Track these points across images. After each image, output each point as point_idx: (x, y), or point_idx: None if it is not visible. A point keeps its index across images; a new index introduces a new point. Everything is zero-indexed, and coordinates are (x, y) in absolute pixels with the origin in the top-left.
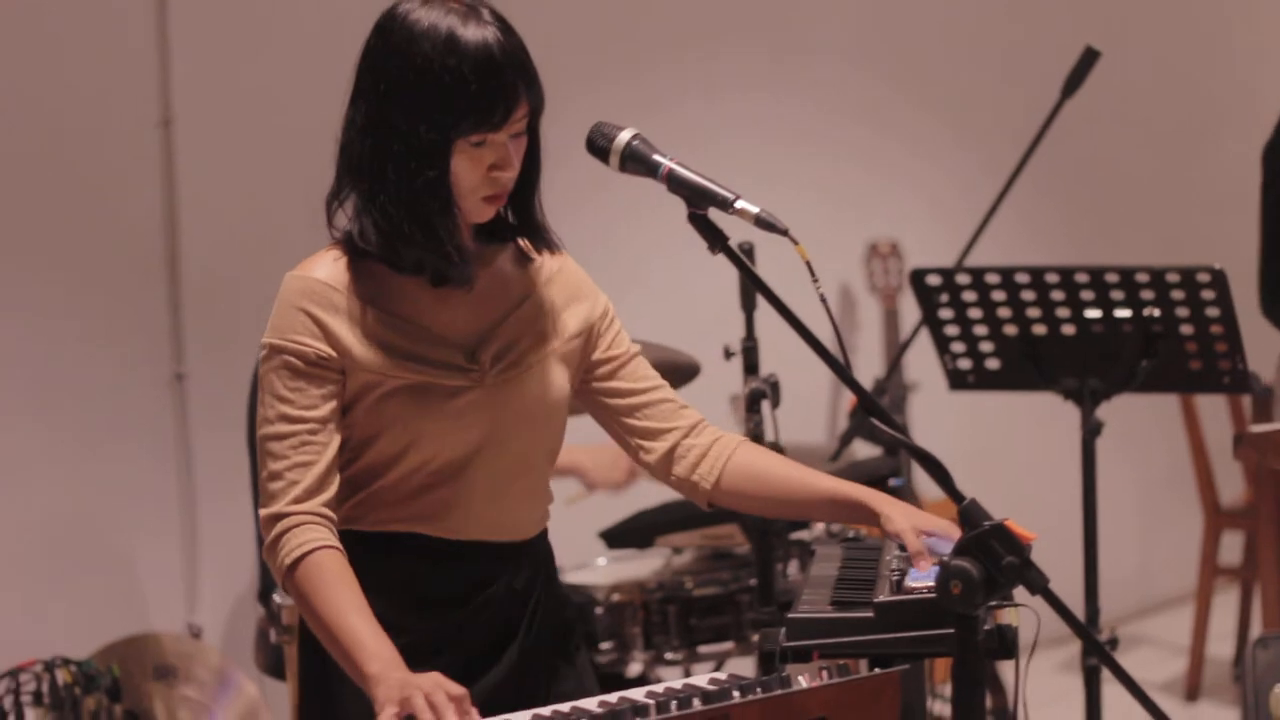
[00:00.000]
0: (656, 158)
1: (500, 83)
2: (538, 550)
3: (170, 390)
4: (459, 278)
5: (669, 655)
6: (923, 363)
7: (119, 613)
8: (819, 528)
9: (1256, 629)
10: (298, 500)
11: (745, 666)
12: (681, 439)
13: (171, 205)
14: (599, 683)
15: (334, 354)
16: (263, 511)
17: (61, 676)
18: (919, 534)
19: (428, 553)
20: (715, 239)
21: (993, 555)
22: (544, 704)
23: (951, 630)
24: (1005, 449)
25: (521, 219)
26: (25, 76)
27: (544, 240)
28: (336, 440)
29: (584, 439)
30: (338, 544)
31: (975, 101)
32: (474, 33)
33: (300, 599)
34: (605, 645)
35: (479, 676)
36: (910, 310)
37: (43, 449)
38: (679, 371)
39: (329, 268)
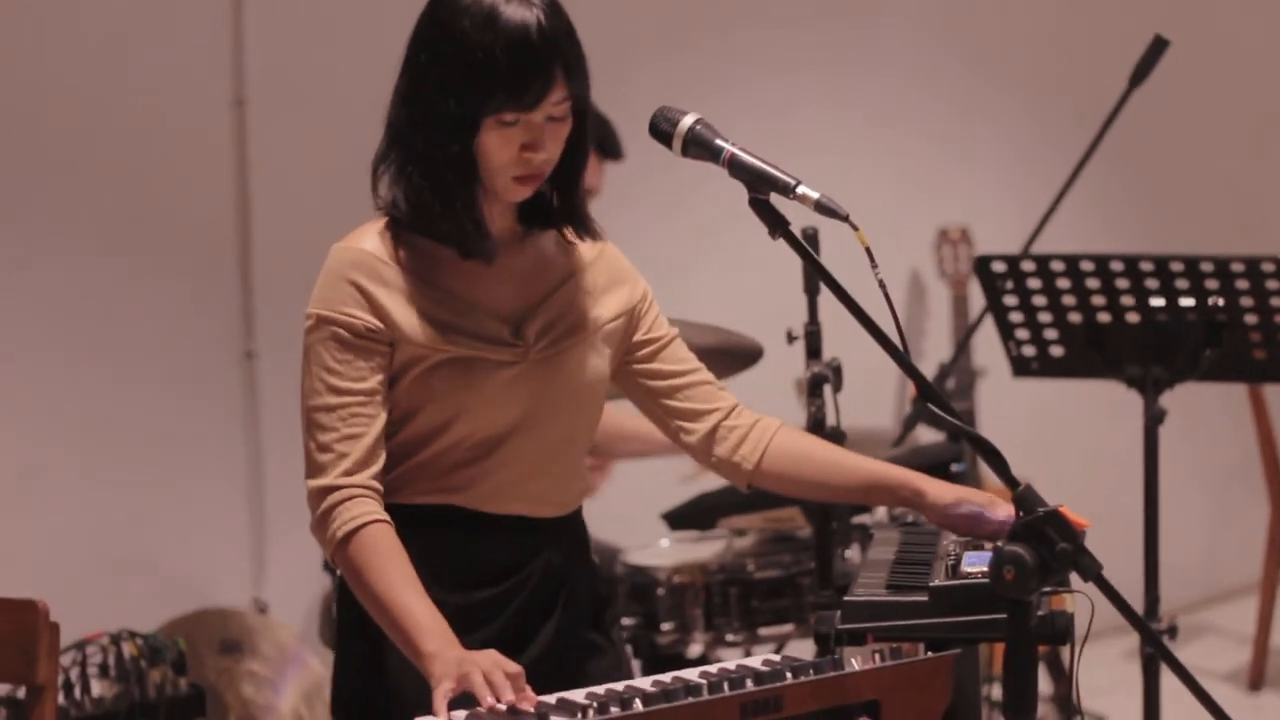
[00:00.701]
0: (719, 143)
1: (534, 64)
2: (574, 527)
3: (241, 368)
4: (478, 251)
5: (730, 637)
6: (990, 348)
7: (187, 587)
8: (880, 512)
9: None
10: (348, 473)
11: (806, 649)
12: (722, 420)
13: (244, 185)
14: (659, 663)
15: (382, 326)
16: (311, 483)
17: (128, 649)
18: (964, 503)
19: (466, 526)
20: (776, 224)
21: (1047, 541)
22: (581, 681)
23: (1005, 615)
24: (1072, 436)
25: (564, 205)
26: (102, 56)
27: (585, 228)
28: (384, 413)
29: None
30: (388, 518)
31: (1052, 87)
32: (515, 12)
33: (352, 573)
34: (666, 626)
35: (516, 653)
36: (979, 296)
37: (116, 424)
38: (742, 355)
39: (375, 239)
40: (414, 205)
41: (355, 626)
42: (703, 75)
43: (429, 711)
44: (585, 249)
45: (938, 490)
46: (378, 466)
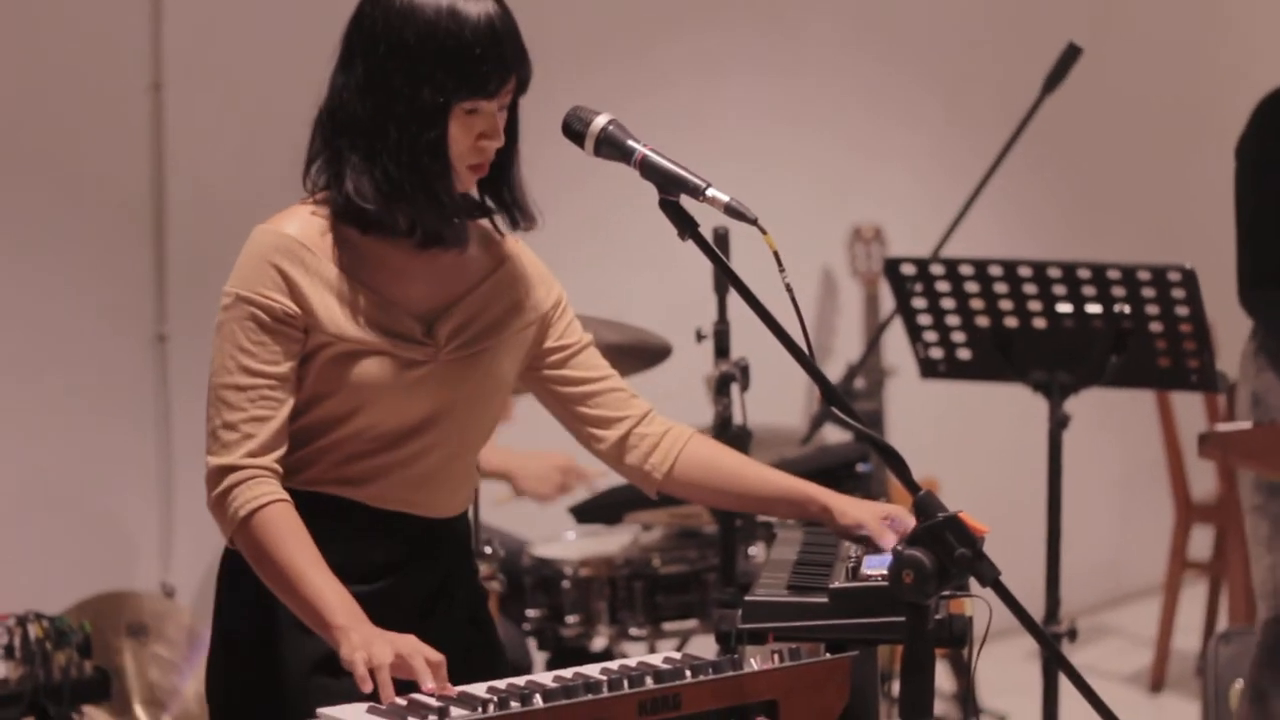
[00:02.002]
0: (631, 143)
1: (499, 53)
2: (459, 529)
3: (152, 350)
4: (454, 239)
5: (634, 631)
6: (900, 348)
7: (94, 570)
8: None
9: (1224, 624)
10: (252, 454)
11: (709, 645)
12: (633, 428)
13: (159, 168)
14: (563, 656)
15: (299, 312)
16: (213, 461)
17: (33, 631)
18: (880, 519)
19: (353, 519)
20: (685, 225)
21: (946, 546)
22: (459, 679)
23: (903, 618)
24: (981, 437)
25: (502, 195)
26: (16, 38)
27: (524, 216)
28: (292, 399)
29: (540, 437)
30: (289, 498)
31: (966, 89)
32: (474, 6)
33: (255, 552)
34: (571, 619)
35: None
36: (891, 295)
37: (24, 405)
38: (649, 353)
39: (300, 225)
40: (388, 195)
41: (240, 609)
42: (621, 80)
43: (315, 698)
44: (508, 246)
45: (843, 508)
46: (280, 451)
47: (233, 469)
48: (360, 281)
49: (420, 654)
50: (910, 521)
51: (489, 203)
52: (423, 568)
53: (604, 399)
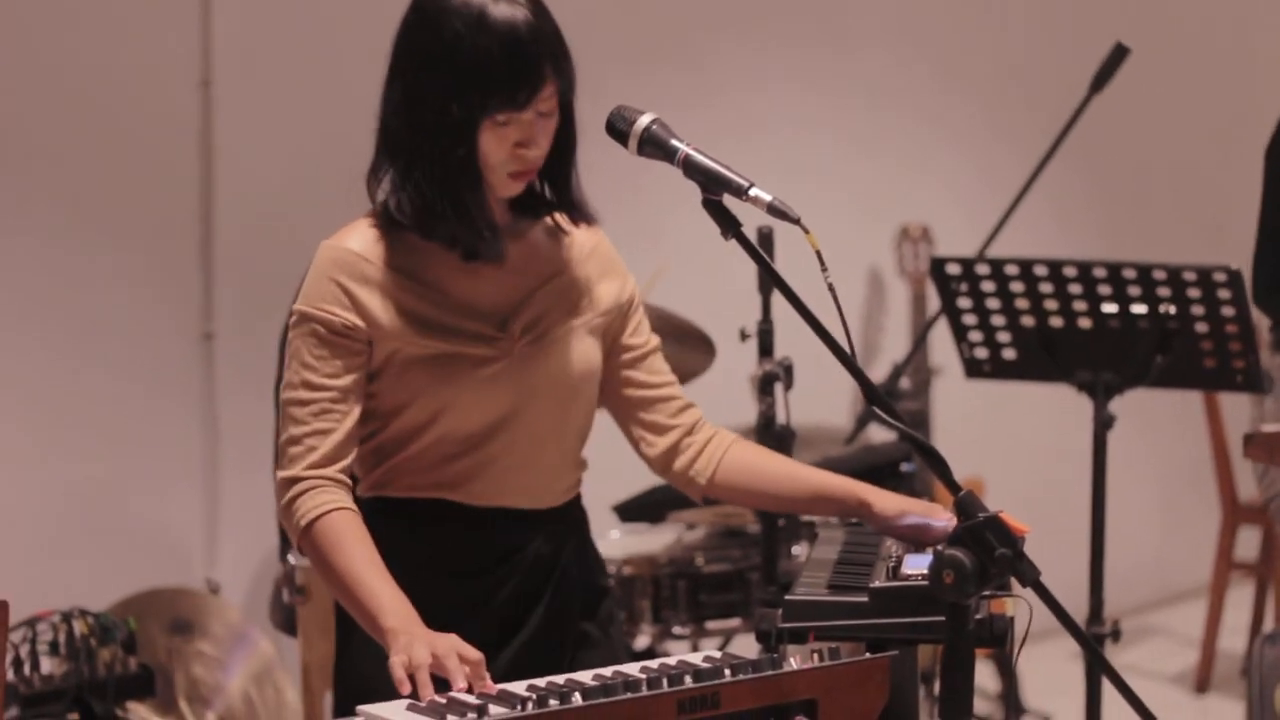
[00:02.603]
0: (674, 143)
1: (526, 63)
2: (566, 517)
3: (199, 349)
4: (489, 254)
5: (677, 630)
6: (947, 347)
7: (139, 566)
8: None
9: (1270, 625)
10: (315, 465)
11: (752, 644)
12: (683, 436)
13: (208, 166)
14: None
15: (361, 324)
16: (279, 474)
17: (78, 627)
18: (907, 515)
19: (454, 519)
20: (728, 224)
21: (986, 546)
22: (566, 671)
23: (943, 618)
24: (1027, 436)
25: (558, 194)
26: (68, 34)
27: (581, 214)
28: (357, 410)
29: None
30: (354, 506)
31: (1011, 92)
32: (504, 11)
33: (316, 558)
34: None
35: (504, 641)
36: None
37: (71, 401)
38: (696, 348)
39: (362, 238)
40: (422, 211)
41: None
42: (671, 89)
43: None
44: (581, 238)
45: (883, 501)
46: (346, 461)
47: (296, 480)
48: (427, 285)
49: (455, 653)
50: (947, 517)
51: (550, 197)
52: (529, 560)
53: (662, 406)
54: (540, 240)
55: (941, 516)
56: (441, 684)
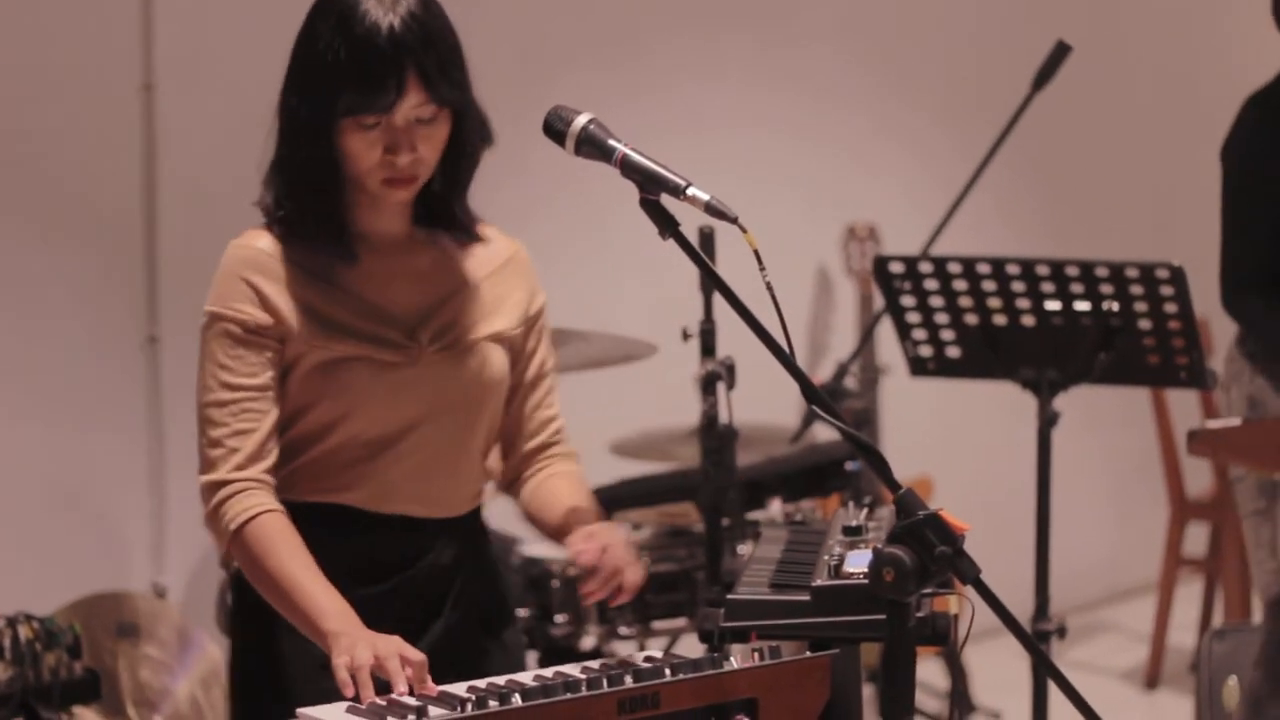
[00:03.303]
0: (611, 143)
1: (381, 66)
2: (467, 527)
3: (143, 353)
4: (337, 254)
5: (623, 630)
6: (894, 346)
7: (85, 571)
8: (775, 508)
9: (1219, 620)
10: (239, 467)
11: (698, 644)
12: (535, 472)
13: (151, 170)
14: (552, 655)
15: (272, 322)
16: (203, 479)
17: (23, 632)
18: (584, 534)
19: (355, 525)
20: (666, 224)
21: (926, 544)
22: (470, 679)
23: (884, 616)
24: (974, 434)
25: (440, 207)
26: (6, 37)
27: (464, 232)
28: (275, 410)
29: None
30: (281, 508)
31: (955, 90)
32: (370, 14)
33: (249, 562)
34: (560, 618)
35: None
36: None
37: (15, 407)
38: (634, 354)
39: (270, 237)
40: (278, 208)
41: (249, 614)
42: (616, 85)
43: (318, 698)
44: (498, 248)
45: (579, 535)
46: (270, 461)
47: (222, 484)
48: (337, 287)
49: (397, 655)
50: (606, 536)
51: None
52: (430, 568)
53: (532, 442)
54: (453, 249)
55: (578, 545)
56: (383, 686)
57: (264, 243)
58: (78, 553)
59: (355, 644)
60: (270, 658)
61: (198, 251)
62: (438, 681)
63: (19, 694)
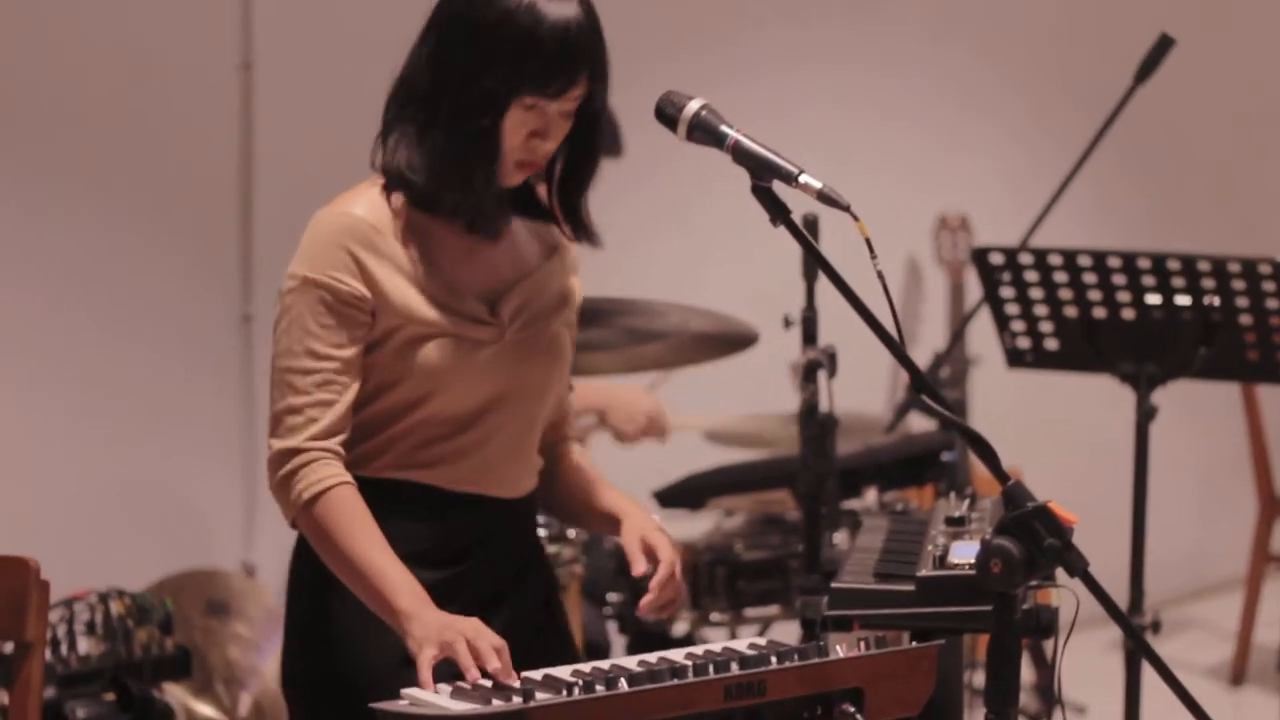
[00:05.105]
0: (724, 129)
1: (571, 55)
2: (529, 509)
3: (239, 331)
4: (487, 230)
5: (715, 617)
6: (985, 338)
7: (177, 548)
8: (870, 497)
9: None
10: (315, 437)
11: (790, 631)
12: (552, 448)
13: (248, 147)
14: (643, 641)
15: (369, 295)
16: (276, 444)
17: (115, 608)
18: (638, 540)
19: (431, 503)
20: (778, 211)
21: (1034, 536)
22: (530, 662)
23: (990, 608)
24: (1063, 428)
25: (567, 206)
26: (109, 14)
27: (585, 234)
28: (357, 383)
29: None
30: (353, 481)
31: (1054, 80)
32: (558, 6)
33: (318, 535)
34: None
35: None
36: (976, 285)
37: (111, 384)
38: (736, 340)
39: (368, 206)
40: (431, 173)
41: (310, 594)
42: (707, 71)
43: (390, 679)
44: (555, 235)
45: (632, 524)
46: (345, 435)
47: (297, 451)
48: (429, 262)
49: (484, 635)
50: (665, 552)
51: (558, 207)
52: (499, 549)
53: (559, 407)
54: (521, 232)
55: (643, 565)
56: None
57: (361, 209)
58: (169, 530)
59: (441, 629)
60: (331, 640)
61: (293, 231)
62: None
63: (111, 669)
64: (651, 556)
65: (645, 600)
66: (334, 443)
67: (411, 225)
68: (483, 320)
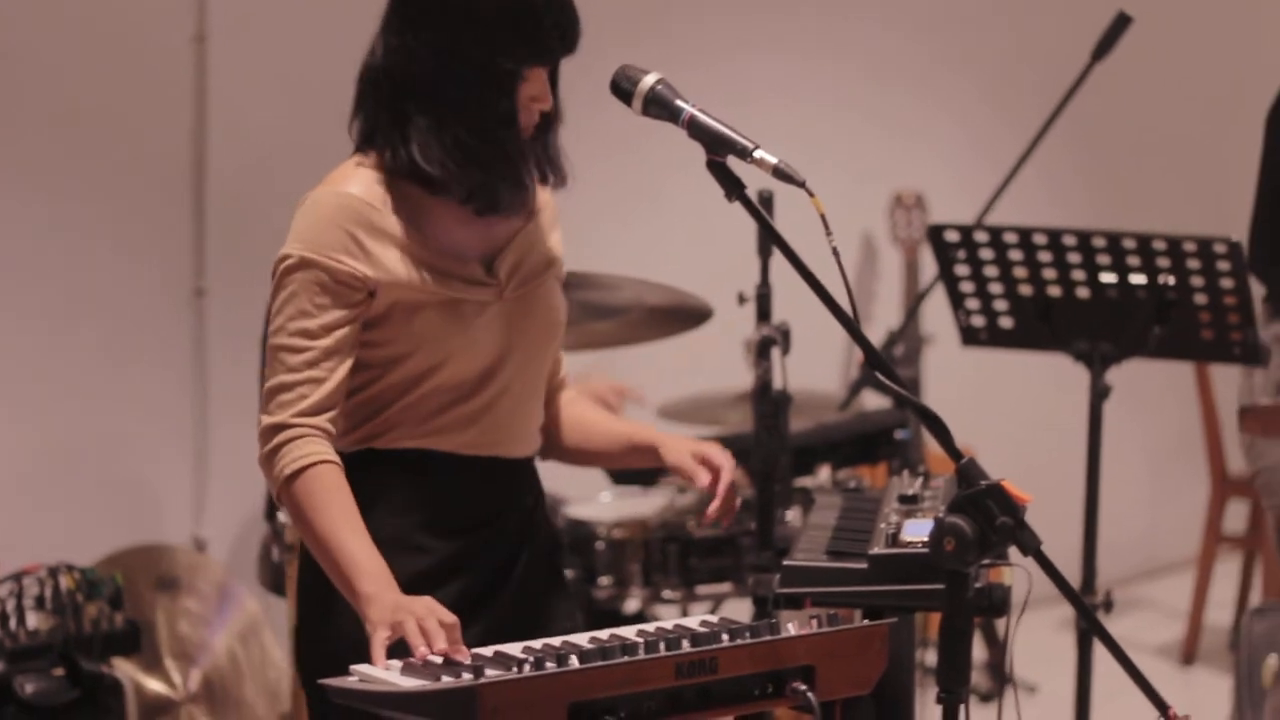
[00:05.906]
0: (679, 103)
1: (565, 19)
2: (533, 467)
3: (190, 305)
4: (517, 206)
5: (667, 594)
6: (939, 316)
7: (127, 523)
8: (823, 475)
9: (1257, 598)
10: (304, 414)
11: (742, 609)
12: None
13: (201, 121)
14: (595, 618)
15: (370, 274)
16: (265, 419)
17: (64, 582)
18: (696, 457)
19: (448, 469)
20: (732, 186)
21: (987, 514)
22: (546, 619)
23: (942, 586)
24: (1018, 407)
25: (541, 149)
26: None
27: (557, 171)
28: (349, 362)
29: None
30: (337, 460)
31: (1006, 61)
32: None
33: (296, 511)
34: (604, 580)
35: (494, 594)
36: (931, 263)
37: (62, 357)
38: (690, 315)
39: (363, 184)
40: (459, 161)
41: (311, 567)
42: (666, 55)
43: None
44: (539, 192)
45: (667, 448)
46: (334, 412)
47: (284, 426)
48: (424, 233)
49: (433, 615)
50: (720, 459)
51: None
52: (515, 509)
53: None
54: None
55: (706, 478)
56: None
57: (357, 188)
58: (119, 505)
59: (392, 611)
60: (327, 612)
61: (246, 204)
62: (523, 619)
63: (60, 644)
64: (709, 465)
65: (712, 507)
66: (322, 419)
67: (406, 198)
68: (482, 281)
